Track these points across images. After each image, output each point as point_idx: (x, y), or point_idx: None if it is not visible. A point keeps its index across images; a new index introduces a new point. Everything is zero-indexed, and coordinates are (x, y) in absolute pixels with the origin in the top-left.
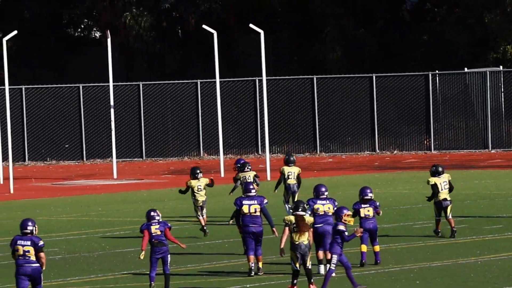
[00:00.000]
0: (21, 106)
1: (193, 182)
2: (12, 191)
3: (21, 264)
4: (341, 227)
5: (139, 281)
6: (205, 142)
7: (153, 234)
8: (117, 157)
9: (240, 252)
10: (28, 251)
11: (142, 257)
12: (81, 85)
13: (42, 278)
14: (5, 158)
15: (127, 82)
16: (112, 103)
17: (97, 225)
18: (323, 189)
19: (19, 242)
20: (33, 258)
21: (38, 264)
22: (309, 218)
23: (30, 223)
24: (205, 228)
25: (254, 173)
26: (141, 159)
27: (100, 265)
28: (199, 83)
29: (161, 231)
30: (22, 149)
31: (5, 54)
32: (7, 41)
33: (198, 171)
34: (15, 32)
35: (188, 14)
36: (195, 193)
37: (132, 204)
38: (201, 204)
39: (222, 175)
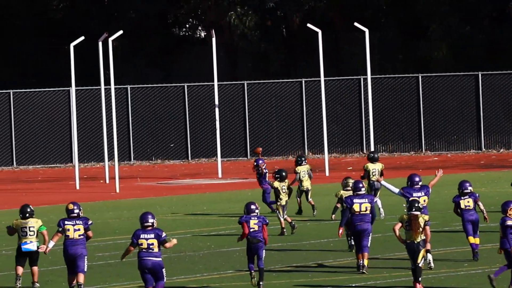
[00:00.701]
0: (127, 106)
1: (277, 183)
2: (118, 191)
3: (143, 257)
4: (510, 222)
5: (244, 280)
6: (309, 141)
7: (251, 229)
8: (221, 156)
9: (345, 250)
10: (152, 244)
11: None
12: (186, 85)
13: (164, 273)
14: (111, 158)
15: (232, 81)
16: (217, 102)
17: (202, 224)
18: (417, 179)
19: (142, 235)
20: (156, 250)
21: (160, 258)
22: (423, 217)
23: (150, 216)
24: (288, 226)
25: (309, 166)
26: (246, 158)
27: (205, 264)
28: (303, 82)
29: (258, 226)
30: (128, 149)
31: (110, 54)
32: (113, 40)
33: (284, 173)
34: (120, 32)
35: (293, 13)
36: (280, 194)
37: (237, 203)
38: (284, 203)
39: (327, 174)
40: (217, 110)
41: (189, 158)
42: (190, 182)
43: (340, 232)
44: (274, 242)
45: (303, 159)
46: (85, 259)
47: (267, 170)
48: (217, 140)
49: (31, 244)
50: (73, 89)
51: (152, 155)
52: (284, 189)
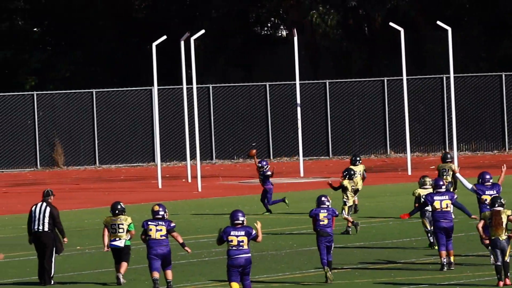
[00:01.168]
0: (209, 105)
1: (346, 182)
2: (200, 190)
3: (235, 255)
4: None
5: (323, 278)
6: (391, 140)
7: (320, 221)
8: (303, 155)
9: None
10: (242, 241)
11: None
12: (267, 84)
13: (250, 269)
14: (193, 157)
15: (314, 80)
16: (298, 101)
17: (284, 223)
18: (488, 177)
19: (232, 232)
20: (246, 247)
21: (249, 254)
22: (506, 212)
23: (240, 214)
24: (352, 225)
25: (363, 167)
26: (328, 157)
27: (287, 263)
28: (385, 80)
29: (328, 220)
30: (210, 148)
31: (192, 53)
32: (195, 40)
33: (352, 172)
34: (202, 31)
35: (375, 12)
36: (347, 193)
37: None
38: (351, 203)
39: (409, 173)
40: (299, 109)
41: (271, 157)
42: (272, 181)
43: (403, 215)
44: (356, 241)
45: (358, 159)
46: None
47: (270, 172)
48: (299, 139)
49: (119, 241)
50: (155, 88)
51: (234, 154)
52: (354, 187)
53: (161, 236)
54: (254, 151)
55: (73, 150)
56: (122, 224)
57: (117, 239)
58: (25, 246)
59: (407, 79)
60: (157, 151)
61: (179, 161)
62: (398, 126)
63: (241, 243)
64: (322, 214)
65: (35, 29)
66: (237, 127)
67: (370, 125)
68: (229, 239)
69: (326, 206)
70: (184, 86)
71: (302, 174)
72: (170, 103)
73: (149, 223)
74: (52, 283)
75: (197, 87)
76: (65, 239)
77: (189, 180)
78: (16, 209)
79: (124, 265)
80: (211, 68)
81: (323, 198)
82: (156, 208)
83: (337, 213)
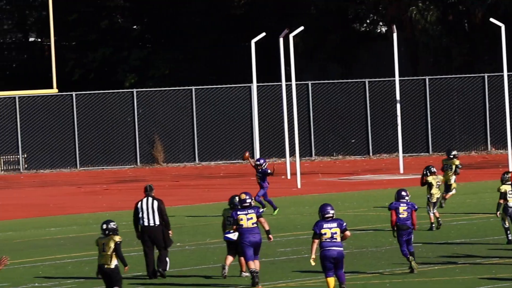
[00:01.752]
0: (308, 102)
1: (430, 178)
2: (299, 186)
3: (328, 247)
4: None
5: (427, 275)
6: (492, 136)
7: (400, 215)
8: (403, 152)
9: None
10: (336, 233)
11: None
12: (367, 80)
13: (343, 263)
14: (292, 154)
15: (413, 76)
16: (398, 98)
17: (384, 220)
18: None
19: (325, 225)
20: (339, 240)
21: (342, 248)
22: None
23: (330, 208)
24: (436, 222)
25: (458, 162)
26: (427, 153)
27: (388, 260)
28: (486, 77)
29: (407, 213)
30: (309, 145)
31: (291, 50)
32: (293, 37)
33: (433, 169)
34: (301, 28)
35: (475, 7)
36: (432, 189)
37: (418, 199)
38: (435, 200)
39: (511, 169)
40: (398, 105)
41: (370, 154)
42: (372, 177)
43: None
44: (456, 237)
45: (452, 153)
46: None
47: (270, 170)
48: (399, 136)
49: (232, 234)
50: (254, 85)
51: (333, 151)
52: (439, 183)
53: (252, 224)
54: (247, 154)
55: (172, 147)
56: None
57: (231, 231)
58: (127, 243)
59: (508, 75)
60: (256, 148)
61: (279, 157)
62: (499, 123)
63: (334, 235)
64: (402, 208)
65: (134, 26)
66: (336, 123)
67: (470, 121)
68: (323, 232)
69: (406, 200)
70: (283, 83)
71: (401, 171)
72: (269, 100)
73: (239, 213)
74: (165, 276)
75: (296, 84)
76: (171, 232)
77: (289, 177)
78: (116, 206)
79: (243, 262)
80: (310, 65)
81: (403, 193)
82: (243, 196)
83: (416, 207)
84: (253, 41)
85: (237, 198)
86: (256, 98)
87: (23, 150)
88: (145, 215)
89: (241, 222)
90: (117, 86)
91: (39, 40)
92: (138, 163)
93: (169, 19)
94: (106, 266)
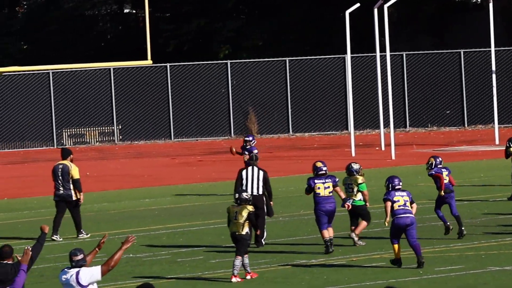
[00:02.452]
0: (402, 73)
1: None
2: (393, 157)
3: (400, 213)
4: None
5: None
6: None
7: (444, 180)
8: (499, 123)
9: None
10: (407, 201)
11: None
12: (462, 51)
13: (415, 229)
14: (386, 125)
15: (509, 47)
16: (493, 68)
17: (479, 191)
18: None
19: (397, 193)
20: (409, 208)
21: (413, 215)
22: None
23: (397, 179)
24: None
25: None
26: None
27: (483, 231)
28: None
29: (449, 178)
30: (403, 116)
31: (386, 20)
32: (388, 7)
33: None
34: None
35: None
36: None
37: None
38: None
39: None
40: (494, 76)
41: (465, 125)
42: (467, 149)
43: None
44: None
45: None
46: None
47: (255, 149)
48: (494, 107)
49: (350, 201)
50: (348, 56)
51: (428, 122)
52: None
53: (329, 192)
54: (234, 150)
55: (266, 119)
56: (351, 184)
57: (350, 199)
58: (220, 214)
59: None
60: (350, 119)
61: (373, 129)
62: None
63: (406, 203)
64: (445, 173)
65: None
66: (430, 94)
67: None
68: (395, 200)
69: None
70: (378, 53)
71: (497, 142)
72: (363, 71)
73: (316, 181)
74: (264, 244)
75: (390, 55)
76: (271, 202)
77: (383, 148)
78: (210, 177)
79: (363, 224)
80: (404, 35)
81: (440, 159)
82: (319, 164)
83: (450, 170)
84: (347, 12)
85: (353, 165)
86: (350, 69)
87: (118, 121)
88: (249, 184)
89: (318, 191)
90: (211, 58)
91: (134, 11)
92: (232, 134)
93: None
94: (237, 233)
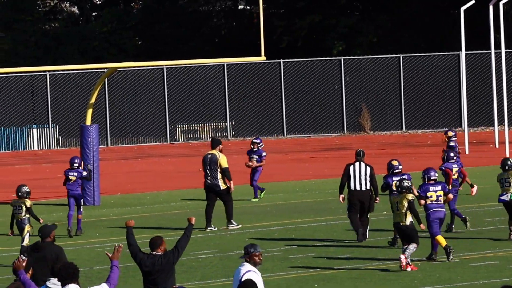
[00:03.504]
0: None
1: None
2: (507, 155)
3: (434, 208)
4: None
5: None
6: None
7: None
8: None
9: None
10: (440, 195)
11: None
12: None
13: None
14: (500, 122)
15: None
16: None
17: None
18: None
19: (431, 188)
20: (442, 202)
21: (445, 209)
22: None
23: (433, 172)
24: None
25: None
26: None
27: None
28: None
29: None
30: None
31: (501, 17)
32: (504, 4)
33: None
34: None
35: None
36: None
37: None
38: None
39: None
40: None
41: None
42: None
43: None
44: None
45: None
46: None
47: (264, 152)
48: None
49: (505, 196)
50: (463, 53)
51: None
52: None
53: (438, 199)
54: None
55: (379, 115)
56: (509, 178)
57: (504, 193)
58: (332, 211)
59: None
60: (464, 116)
61: (487, 126)
62: None
63: (439, 198)
64: (455, 169)
65: None
66: None
67: None
68: (428, 195)
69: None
70: (493, 50)
71: None
72: (478, 68)
73: (394, 178)
74: (366, 238)
75: (505, 52)
76: (377, 199)
77: (497, 146)
78: (322, 174)
79: None
80: None
81: (451, 154)
82: (395, 163)
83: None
84: (462, 8)
85: (509, 161)
86: (465, 66)
87: (231, 117)
88: (357, 179)
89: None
90: (324, 54)
91: (248, 7)
92: (345, 131)
93: None
94: (401, 224)
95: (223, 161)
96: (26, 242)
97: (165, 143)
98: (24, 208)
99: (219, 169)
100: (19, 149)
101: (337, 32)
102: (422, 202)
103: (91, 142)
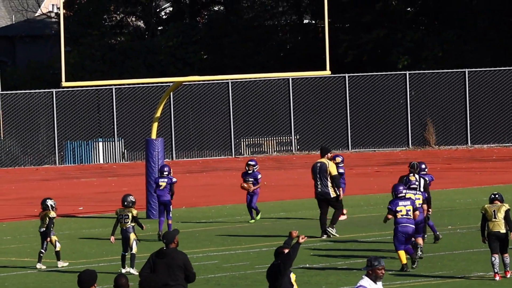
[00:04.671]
0: None
1: None
2: None
3: (403, 223)
4: None
5: None
6: None
7: None
8: None
9: None
10: (410, 210)
11: None
12: None
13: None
14: None
15: None
16: None
17: None
18: None
19: (400, 203)
20: (411, 217)
21: (414, 226)
22: None
23: (401, 187)
24: None
25: None
26: None
27: None
28: None
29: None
30: None
31: None
32: None
33: None
34: None
35: None
36: None
37: None
38: None
39: None
40: None
41: None
42: None
43: None
44: None
45: None
46: None
47: (259, 175)
48: None
49: None
50: None
51: None
52: None
53: (408, 214)
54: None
55: (445, 130)
56: None
57: None
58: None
59: None
60: None
61: None
62: None
63: (409, 212)
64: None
65: (408, 8)
66: None
67: None
68: (398, 209)
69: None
70: None
71: None
72: None
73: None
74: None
75: None
76: (430, 210)
77: None
78: (387, 188)
79: None
80: None
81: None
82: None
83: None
84: None
85: None
86: None
87: (296, 131)
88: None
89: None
90: (389, 68)
91: (313, 22)
92: (410, 145)
93: (444, 1)
94: (501, 232)
95: (333, 169)
96: (134, 250)
97: (230, 156)
98: (130, 217)
99: (329, 177)
100: (85, 163)
101: (403, 46)
102: (390, 216)
103: (156, 156)
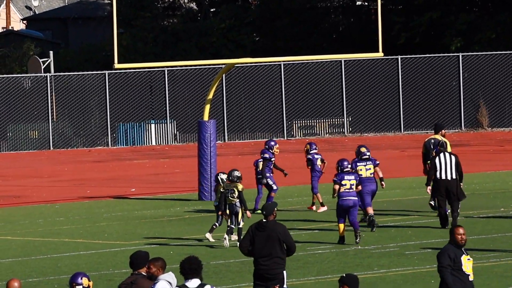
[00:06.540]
0: None
1: None
2: None
3: (345, 196)
4: None
5: None
6: None
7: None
8: None
9: None
10: (353, 185)
11: None
12: None
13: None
14: None
15: None
16: None
17: None
18: None
19: (346, 177)
20: (354, 191)
21: (357, 198)
22: None
23: (346, 162)
24: None
25: None
26: None
27: None
28: None
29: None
30: None
31: None
32: None
33: None
34: None
35: None
36: None
37: None
38: None
39: None
40: None
41: None
42: None
43: None
44: None
45: None
46: None
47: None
48: None
49: None
50: None
51: None
52: None
53: (370, 174)
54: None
55: (497, 112)
56: None
57: None
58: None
59: None
60: None
61: None
62: None
63: (352, 186)
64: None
65: None
66: None
67: None
68: (343, 183)
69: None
70: None
71: None
72: None
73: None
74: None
75: None
76: (461, 184)
77: None
78: None
79: None
80: None
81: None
82: (363, 149)
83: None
84: None
85: None
86: None
87: (348, 113)
88: (442, 169)
89: (360, 172)
90: (442, 50)
91: (366, 3)
92: (463, 128)
93: None
94: None
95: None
96: (242, 224)
97: (282, 138)
98: (236, 192)
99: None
100: (137, 144)
101: (456, 28)
102: (337, 187)
103: (208, 138)
